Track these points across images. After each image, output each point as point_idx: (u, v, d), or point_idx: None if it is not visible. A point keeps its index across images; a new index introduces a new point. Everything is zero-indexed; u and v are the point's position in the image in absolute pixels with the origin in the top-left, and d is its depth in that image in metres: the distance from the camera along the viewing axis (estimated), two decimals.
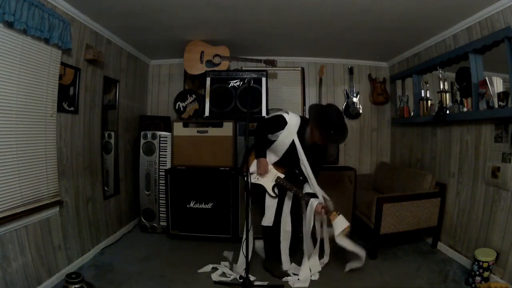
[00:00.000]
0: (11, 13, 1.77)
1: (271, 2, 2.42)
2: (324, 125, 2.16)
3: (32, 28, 1.95)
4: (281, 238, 2.49)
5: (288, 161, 2.45)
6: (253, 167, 2.50)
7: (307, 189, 2.41)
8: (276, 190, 2.46)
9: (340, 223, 2.26)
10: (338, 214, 2.27)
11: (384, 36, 3.10)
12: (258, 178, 2.47)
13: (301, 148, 2.34)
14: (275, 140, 2.38)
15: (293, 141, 2.34)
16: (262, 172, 2.43)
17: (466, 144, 2.70)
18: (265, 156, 2.46)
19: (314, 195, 2.35)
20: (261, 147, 2.47)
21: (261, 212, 2.53)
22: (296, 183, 2.46)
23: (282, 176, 2.46)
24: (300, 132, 2.35)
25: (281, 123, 2.35)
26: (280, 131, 2.34)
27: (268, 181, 2.46)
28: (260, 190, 2.49)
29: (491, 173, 2.39)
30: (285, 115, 2.36)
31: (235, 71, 3.47)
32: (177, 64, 4.04)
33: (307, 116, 2.43)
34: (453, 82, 2.86)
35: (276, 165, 2.49)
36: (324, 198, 2.36)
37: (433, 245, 3.01)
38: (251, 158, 2.52)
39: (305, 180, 2.42)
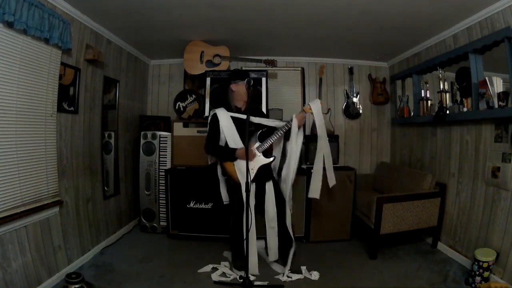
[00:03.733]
0: (11, 13, 1.77)
1: (271, 2, 2.41)
2: (242, 76, 2.49)
3: (32, 28, 1.94)
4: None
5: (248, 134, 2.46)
6: (238, 166, 2.43)
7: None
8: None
9: (315, 103, 2.43)
10: (309, 104, 2.44)
11: (384, 36, 3.09)
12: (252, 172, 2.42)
13: (243, 115, 2.42)
14: (225, 136, 2.46)
15: (233, 118, 2.45)
16: (252, 156, 2.40)
17: (466, 144, 2.70)
18: (235, 150, 2.42)
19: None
20: (225, 148, 2.48)
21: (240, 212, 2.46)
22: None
23: (256, 145, 2.46)
24: (229, 107, 2.51)
25: (214, 117, 2.48)
26: (220, 124, 2.44)
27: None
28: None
29: (491, 173, 2.39)
30: (212, 111, 2.53)
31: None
32: (177, 64, 4.04)
33: None
34: (453, 82, 2.86)
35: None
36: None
37: (433, 245, 3.01)
38: (227, 166, 2.48)
39: (271, 131, 2.48)
